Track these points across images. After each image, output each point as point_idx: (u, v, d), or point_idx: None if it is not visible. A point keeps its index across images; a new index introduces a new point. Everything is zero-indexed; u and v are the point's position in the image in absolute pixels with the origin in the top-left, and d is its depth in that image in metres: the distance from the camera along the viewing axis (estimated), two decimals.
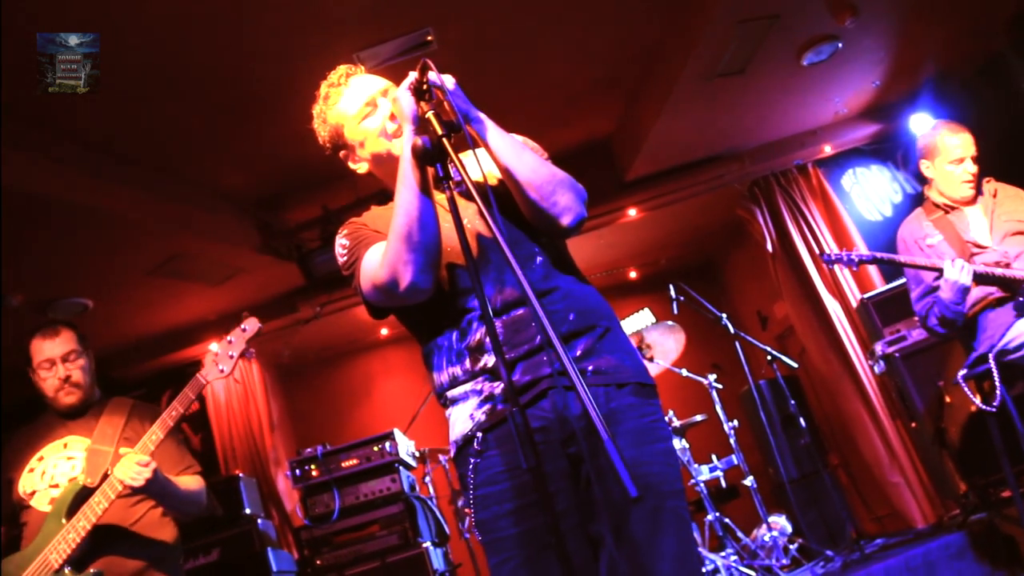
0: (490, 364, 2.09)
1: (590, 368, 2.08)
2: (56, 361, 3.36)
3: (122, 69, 4.18)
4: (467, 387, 2.13)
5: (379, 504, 5.34)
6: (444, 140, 1.85)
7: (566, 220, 2.16)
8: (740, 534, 5.83)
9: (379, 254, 2.08)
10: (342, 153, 2.31)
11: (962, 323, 4.21)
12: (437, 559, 5.27)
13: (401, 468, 5.44)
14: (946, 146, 4.37)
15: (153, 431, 3.14)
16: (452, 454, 2.19)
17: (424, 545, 5.15)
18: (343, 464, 5.42)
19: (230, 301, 6.78)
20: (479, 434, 2.09)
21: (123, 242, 5.42)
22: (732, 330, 6.08)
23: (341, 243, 2.27)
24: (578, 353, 2.09)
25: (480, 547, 5.67)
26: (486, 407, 2.10)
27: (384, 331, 8.40)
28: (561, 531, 1.96)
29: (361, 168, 2.31)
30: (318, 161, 5.55)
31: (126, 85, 4.30)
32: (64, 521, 3.08)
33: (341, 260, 2.26)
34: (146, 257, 5.70)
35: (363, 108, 2.24)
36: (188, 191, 5.53)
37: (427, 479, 5.91)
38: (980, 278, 4.09)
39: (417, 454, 5.85)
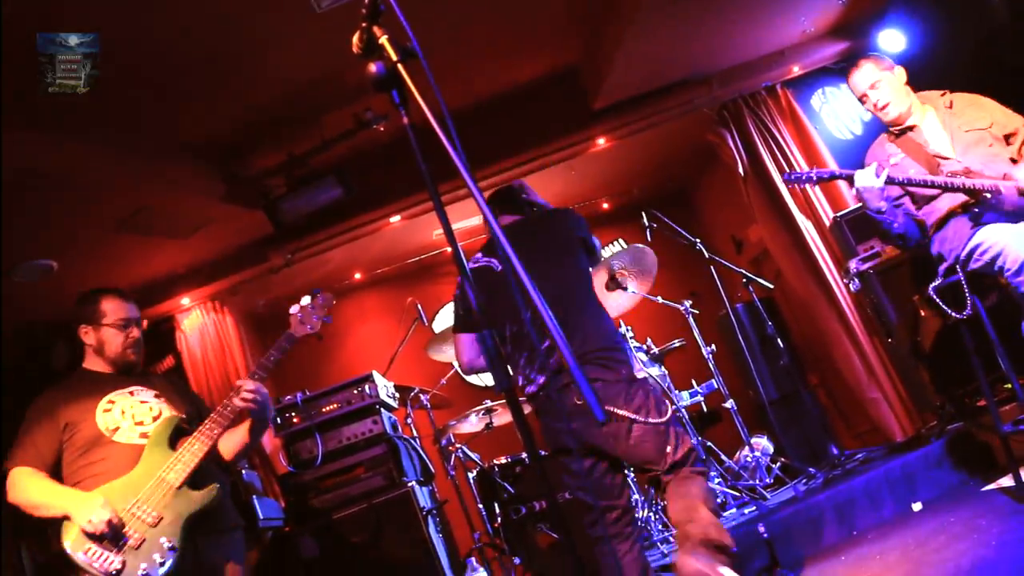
0: None
1: None
2: (131, 322, 3.70)
3: (74, 24, 4.02)
4: None
5: (362, 447, 5.34)
6: (399, 66, 1.78)
7: None
8: (723, 456, 5.89)
9: None
10: None
11: (897, 232, 4.24)
12: (423, 497, 5.30)
13: (382, 410, 5.43)
14: (851, 87, 4.47)
15: (256, 372, 3.58)
16: None
17: (409, 484, 5.16)
18: (324, 409, 5.40)
19: (199, 253, 6.71)
20: None
21: (85, 199, 5.31)
22: (707, 255, 6.08)
23: None
24: None
25: (464, 484, 5.70)
26: None
27: (357, 275, 8.34)
28: None
29: None
30: (280, 106, 5.51)
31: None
32: (169, 450, 3.38)
33: None
34: (110, 214, 5.61)
35: None
36: (148, 144, 5.40)
37: (409, 419, 5.92)
38: (907, 184, 4.16)
39: (397, 395, 5.84)
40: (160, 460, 3.36)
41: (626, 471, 3.79)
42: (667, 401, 3.47)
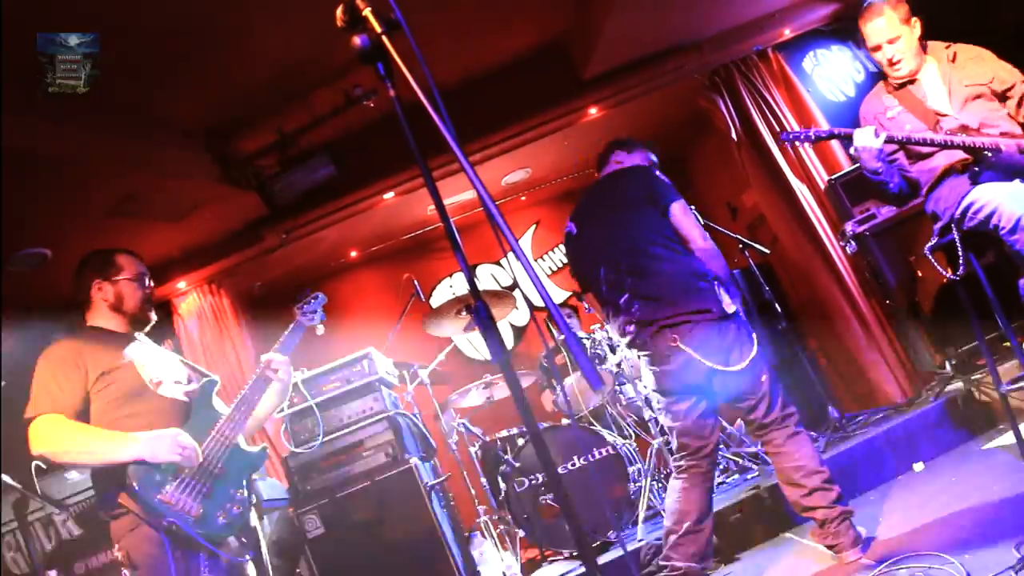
0: None
1: None
2: (146, 276, 3.61)
3: (59, 5, 3.99)
4: None
5: (364, 424, 5.34)
6: (384, 38, 1.75)
7: None
8: (725, 423, 5.90)
9: None
10: None
11: (894, 192, 4.22)
12: (426, 473, 5.31)
13: (382, 387, 5.43)
14: (864, 33, 4.32)
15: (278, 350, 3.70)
16: None
17: (412, 460, 5.17)
18: (324, 388, 5.39)
19: (193, 236, 6.67)
20: None
21: (75, 186, 5.27)
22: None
23: None
24: None
25: (467, 458, 5.68)
26: None
27: (353, 253, 8.32)
28: None
29: None
30: (269, 84, 5.46)
31: (63, 22, 4.10)
32: (216, 409, 3.44)
33: None
34: (101, 199, 5.56)
35: None
36: (136, 127, 5.35)
37: (409, 396, 5.91)
38: (907, 143, 4.11)
39: (397, 372, 5.83)
40: (211, 417, 3.35)
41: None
42: (753, 338, 3.79)
